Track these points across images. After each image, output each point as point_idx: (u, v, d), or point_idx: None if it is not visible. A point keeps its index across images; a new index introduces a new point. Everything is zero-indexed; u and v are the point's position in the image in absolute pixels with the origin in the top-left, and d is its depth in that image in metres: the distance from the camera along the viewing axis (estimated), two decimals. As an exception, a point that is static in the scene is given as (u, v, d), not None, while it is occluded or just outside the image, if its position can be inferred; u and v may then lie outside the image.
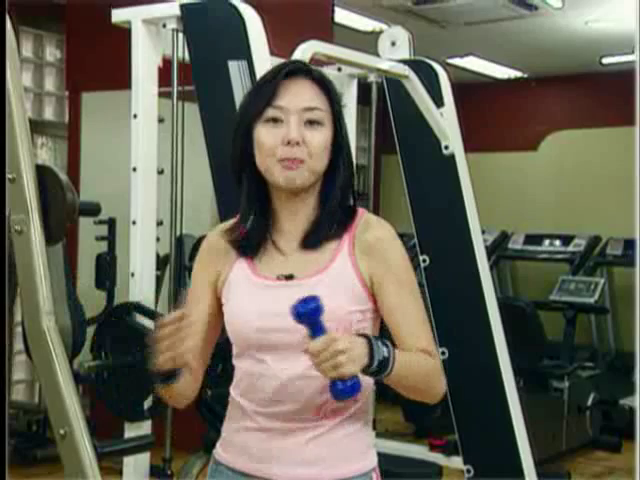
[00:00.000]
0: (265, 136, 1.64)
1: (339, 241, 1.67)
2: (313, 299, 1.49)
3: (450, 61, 6.87)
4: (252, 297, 1.67)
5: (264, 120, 1.64)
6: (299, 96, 1.64)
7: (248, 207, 1.70)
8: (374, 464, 1.71)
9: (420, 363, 1.64)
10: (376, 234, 1.68)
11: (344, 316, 1.62)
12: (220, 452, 1.75)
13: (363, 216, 1.71)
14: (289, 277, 1.66)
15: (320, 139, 1.64)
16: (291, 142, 1.62)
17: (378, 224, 1.70)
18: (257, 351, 1.66)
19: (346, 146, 1.71)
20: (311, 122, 1.64)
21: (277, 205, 1.70)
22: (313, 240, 1.67)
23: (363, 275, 1.65)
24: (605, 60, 7.28)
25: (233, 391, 1.73)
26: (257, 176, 1.68)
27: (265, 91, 1.65)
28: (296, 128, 1.62)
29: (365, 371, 1.52)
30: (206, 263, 1.75)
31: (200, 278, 1.76)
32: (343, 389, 1.49)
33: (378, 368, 1.53)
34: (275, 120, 1.64)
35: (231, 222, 1.77)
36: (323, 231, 1.67)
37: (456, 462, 3.82)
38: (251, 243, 1.69)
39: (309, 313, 1.48)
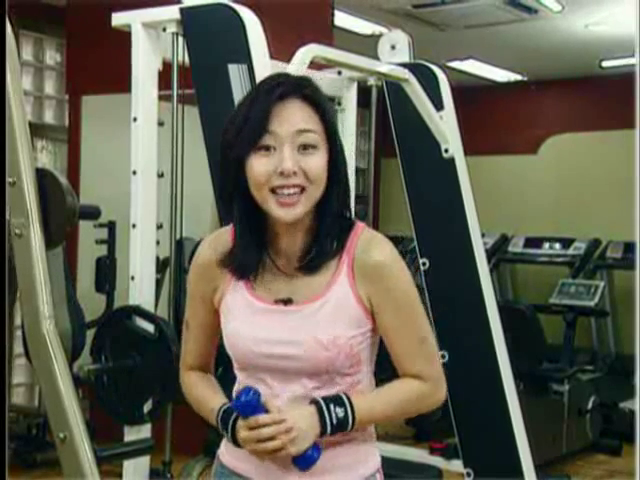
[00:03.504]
0: (258, 167, 1.55)
1: (338, 261, 1.62)
2: (250, 390, 1.57)
3: (450, 64, 6.87)
4: (250, 322, 1.64)
5: (255, 149, 1.55)
6: (291, 119, 1.56)
7: (241, 231, 1.63)
8: (378, 465, 1.71)
9: (394, 397, 1.65)
10: (376, 257, 1.61)
11: (345, 343, 1.60)
12: (225, 454, 1.74)
13: (362, 233, 1.64)
14: (287, 301, 1.63)
15: (316, 164, 1.56)
16: (285, 173, 1.54)
17: (379, 245, 1.63)
18: (257, 371, 1.65)
19: (342, 165, 1.62)
20: (305, 147, 1.56)
21: (273, 230, 1.63)
22: (311, 263, 1.62)
23: (362, 297, 1.61)
24: (605, 63, 7.27)
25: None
26: (250, 202, 1.59)
27: (256, 116, 1.55)
28: (290, 157, 1.54)
29: (322, 435, 1.57)
30: (201, 277, 1.71)
31: (197, 292, 1.73)
32: (301, 461, 1.57)
33: (334, 430, 1.58)
34: (267, 148, 1.55)
35: (225, 231, 1.70)
36: (321, 253, 1.61)
37: (456, 465, 3.82)
38: (248, 267, 1.64)
39: (247, 407, 1.56)
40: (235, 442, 1.62)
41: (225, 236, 1.69)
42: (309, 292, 1.62)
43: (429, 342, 1.67)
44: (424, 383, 1.65)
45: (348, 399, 1.60)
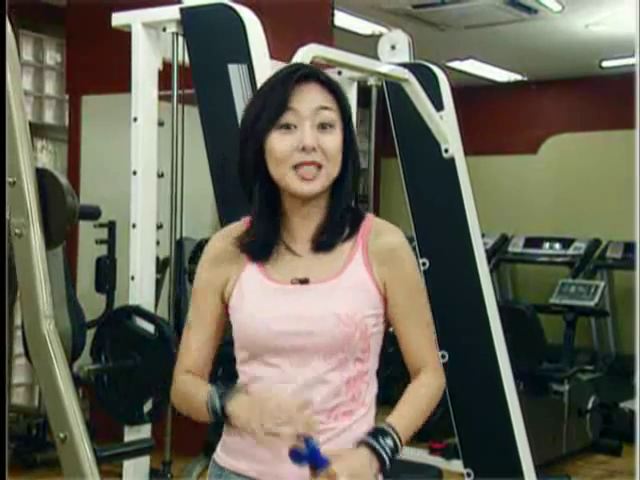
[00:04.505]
0: (279, 143, 1.62)
1: (352, 245, 1.68)
2: (309, 440, 1.53)
3: (450, 64, 6.87)
4: (268, 301, 1.66)
5: (277, 127, 1.62)
6: (311, 98, 1.63)
7: (259, 213, 1.68)
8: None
9: (419, 405, 1.70)
10: (390, 241, 1.69)
11: (361, 320, 1.63)
12: (222, 456, 1.74)
13: (373, 221, 1.72)
14: (304, 281, 1.66)
15: (334, 142, 1.64)
16: (306, 148, 1.61)
17: (391, 231, 1.71)
18: (271, 356, 1.65)
19: (355, 148, 1.71)
20: (323, 125, 1.63)
21: (289, 210, 1.68)
22: (326, 242, 1.67)
23: (376, 279, 1.66)
24: (605, 63, 7.28)
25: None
26: (268, 183, 1.66)
27: (277, 95, 1.63)
28: (310, 133, 1.61)
29: (383, 468, 1.61)
30: (212, 268, 1.73)
31: (205, 283, 1.74)
32: None
33: (391, 459, 1.62)
34: (288, 126, 1.62)
35: (236, 226, 1.75)
36: (335, 233, 1.67)
37: (456, 465, 3.82)
38: (264, 248, 1.68)
39: (309, 456, 1.53)
40: (226, 419, 1.60)
41: (238, 228, 1.73)
42: (325, 272, 1.66)
43: (432, 329, 1.76)
44: (432, 375, 1.72)
45: (390, 427, 1.63)
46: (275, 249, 1.68)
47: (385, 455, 1.60)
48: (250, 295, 1.68)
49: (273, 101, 1.63)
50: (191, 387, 1.73)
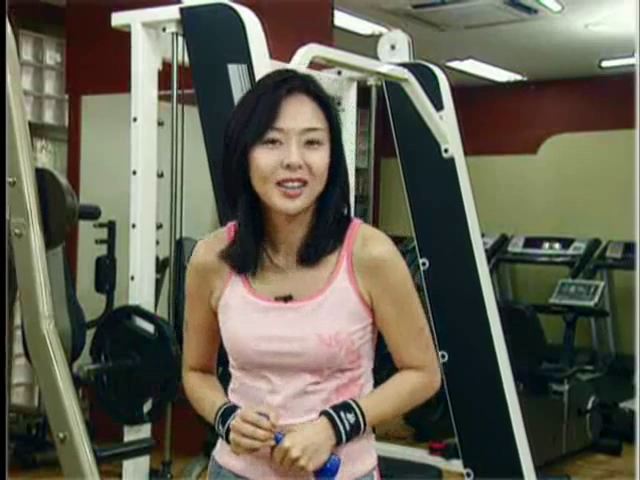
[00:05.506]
0: (264, 159, 1.57)
1: (337, 257, 1.64)
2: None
3: (449, 64, 6.87)
4: (250, 320, 1.65)
5: (262, 142, 1.57)
6: (299, 116, 1.57)
7: (243, 226, 1.64)
8: (375, 463, 1.73)
9: (397, 392, 1.69)
10: (374, 252, 1.63)
11: (346, 338, 1.62)
12: (220, 454, 1.75)
13: (360, 229, 1.66)
14: (287, 298, 1.63)
15: (320, 160, 1.58)
16: (292, 166, 1.56)
17: (376, 240, 1.66)
18: (259, 369, 1.66)
19: (343, 162, 1.65)
20: (310, 142, 1.58)
21: (273, 224, 1.64)
22: (311, 256, 1.63)
23: (362, 292, 1.63)
24: (605, 63, 7.27)
25: (232, 396, 1.72)
26: (252, 195, 1.62)
27: (264, 110, 1.56)
28: (296, 151, 1.56)
29: (339, 444, 1.60)
30: (198, 278, 1.72)
31: (194, 291, 1.74)
32: (323, 474, 1.59)
33: (349, 436, 1.60)
34: (273, 142, 1.57)
35: (220, 233, 1.72)
36: (320, 246, 1.63)
37: (456, 465, 3.82)
38: (246, 261, 1.65)
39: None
40: (228, 440, 1.64)
41: (222, 236, 1.71)
42: (309, 288, 1.63)
43: (425, 332, 1.72)
44: (422, 373, 1.70)
45: (355, 403, 1.63)
46: (259, 262, 1.65)
47: (343, 429, 1.59)
48: (234, 311, 1.67)
49: (260, 116, 1.56)
50: (199, 393, 1.77)
